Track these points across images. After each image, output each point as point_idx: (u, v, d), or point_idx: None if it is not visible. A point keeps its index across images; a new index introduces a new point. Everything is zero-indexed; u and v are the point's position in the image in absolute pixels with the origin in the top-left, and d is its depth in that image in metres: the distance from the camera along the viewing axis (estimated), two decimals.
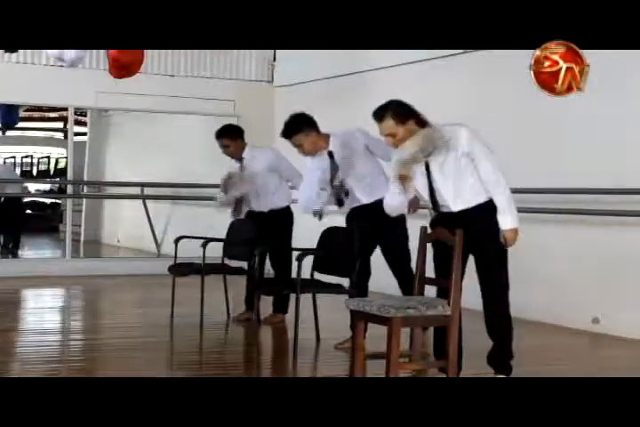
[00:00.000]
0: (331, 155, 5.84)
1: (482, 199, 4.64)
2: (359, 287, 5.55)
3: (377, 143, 5.56)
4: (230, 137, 6.91)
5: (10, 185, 12.78)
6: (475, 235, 4.51)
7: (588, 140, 6.93)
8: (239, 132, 7.01)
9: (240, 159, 6.92)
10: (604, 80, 5.99)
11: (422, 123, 4.64)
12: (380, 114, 4.67)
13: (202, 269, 6.66)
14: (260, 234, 6.58)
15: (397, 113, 4.61)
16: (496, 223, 4.65)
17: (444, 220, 4.62)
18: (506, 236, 4.68)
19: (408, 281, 5.16)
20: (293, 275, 5.74)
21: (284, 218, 6.81)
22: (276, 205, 6.79)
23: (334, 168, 5.80)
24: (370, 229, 5.56)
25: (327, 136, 5.90)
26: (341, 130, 5.93)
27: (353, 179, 5.75)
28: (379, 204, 5.38)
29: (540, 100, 5.83)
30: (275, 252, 6.68)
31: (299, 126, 5.92)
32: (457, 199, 4.60)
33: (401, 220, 5.56)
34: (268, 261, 6.84)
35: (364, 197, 5.74)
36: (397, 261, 5.73)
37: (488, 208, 4.64)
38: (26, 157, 18.12)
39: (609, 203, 6.57)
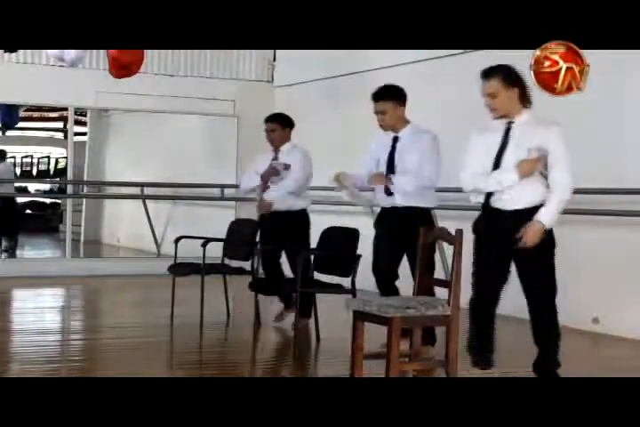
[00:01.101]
0: (395, 139, 5.70)
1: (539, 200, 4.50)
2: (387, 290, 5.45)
3: (429, 158, 5.59)
4: (280, 123, 6.82)
5: (6, 185, 12.77)
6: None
7: (587, 140, 6.92)
8: (290, 123, 6.92)
9: (276, 150, 6.82)
10: (604, 80, 5.99)
11: (526, 98, 4.59)
12: (488, 72, 4.62)
13: (202, 270, 6.66)
14: (276, 234, 6.54)
15: (507, 76, 4.56)
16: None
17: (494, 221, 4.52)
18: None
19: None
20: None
21: (301, 220, 6.69)
22: (296, 205, 6.69)
23: (392, 153, 5.67)
24: (398, 233, 5.43)
25: (407, 122, 5.76)
26: (423, 125, 5.82)
27: (398, 174, 5.59)
28: (410, 210, 5.36)
29: (540, 100, 5.83)
30: (291, 253, 6.47)
31: (394, 94, 5.75)
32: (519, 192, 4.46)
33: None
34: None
35: (399, 198, 5.57)
36: None
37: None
38: (26, 157, 18.11)
39: (609, 203, 6.57)
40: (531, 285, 4.66)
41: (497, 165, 4.51)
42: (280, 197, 6.54)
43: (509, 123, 4.61)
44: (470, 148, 4.70)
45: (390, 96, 5.68)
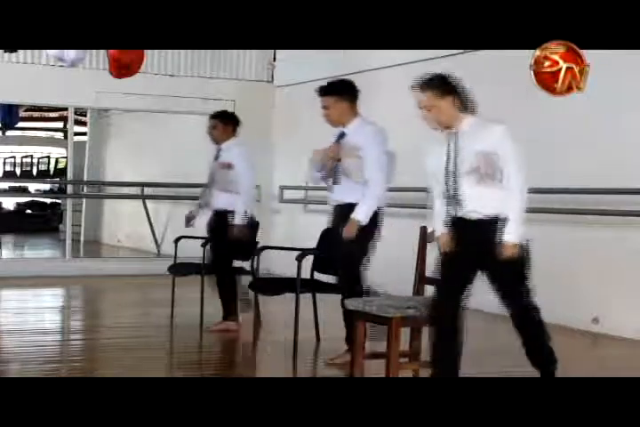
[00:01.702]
0: (342, 135, 5.51)
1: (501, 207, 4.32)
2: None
3: (368, 156, 5.30)
4: (222, 120, 6.74)
5: None
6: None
7: (588, 140, 6.93)
8: (232, 119, 6.80)
9: (218, 149, 6.69)
10: (604, 80, 5.99)
11: (465, 104, 4.45)
12: (421, 84, 4.52)
13: (202, 270, 6.66)
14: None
15: (440, 86, 4.43)
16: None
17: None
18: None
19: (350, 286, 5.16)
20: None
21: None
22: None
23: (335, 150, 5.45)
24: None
25: (356, 116, 5.54)
26: (372, 122, 5.61)
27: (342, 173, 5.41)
28: (346, 207, 5.28)
29: (539, 100, 5.83)
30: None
31: (337, 89, 5.56)
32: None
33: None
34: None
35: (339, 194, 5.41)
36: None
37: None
38: (26, 157, 18.11)
39: (609, 203, 6.57)
40: (504, 293, 4.52)
41: (453, 179, 4.33)
42: (241, 219, 6.37)
43: (454, 133, 4.43)
44: (427, 171, 4.52)
45: (332, 91, 5.52)
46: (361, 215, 5.23)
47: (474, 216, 4.27)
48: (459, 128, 4.40)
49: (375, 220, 5.31)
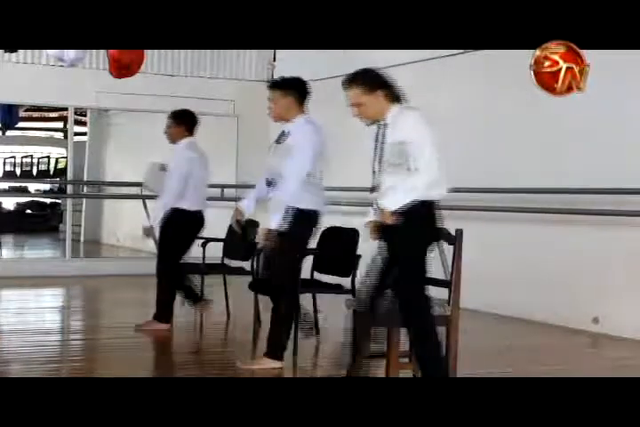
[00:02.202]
0: (282, 134, 5.39)
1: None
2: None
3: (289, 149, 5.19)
4: (174, 120, 6.80)
5: None
6: None
7: (588, 140, 6.93)
8: (185, 119, 6.83)
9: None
10: (604, 80, 5.99)
11: (393, 97, 4.40)
12: (347, 81, 4.47)
13: (202, 270, 6.66)
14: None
15: (366, 82, 4.39)
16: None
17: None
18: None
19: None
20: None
21: (175, 218, 6.41)
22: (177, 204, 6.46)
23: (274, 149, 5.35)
24: None
25: (301, 115, 5.40)
26: (313, 121, 5.40)
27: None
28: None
29: (540, 100, 5.84)
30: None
31: (282, 84, 5.46)
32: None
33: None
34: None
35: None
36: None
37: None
38: (26, 156, 18.11)
39: (609, 203, 6.57)
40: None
41: (379, 171, 4.37)
42: (161, 207, 6.35)
43: (382, 125, 4.43)
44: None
45: (278, 86, 5.45)
46: (273, 223, 5.07)
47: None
48: (387, 120, 4.40)
49: (298, 221, 5.09)
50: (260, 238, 5.12)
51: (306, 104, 5.42)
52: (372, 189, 4.40)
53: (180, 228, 6.33)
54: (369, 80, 4.41)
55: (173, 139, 6.74)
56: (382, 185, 4.35)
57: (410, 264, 4.31)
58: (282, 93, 5.37)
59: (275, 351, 5.19)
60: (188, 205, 6.34)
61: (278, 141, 5.37)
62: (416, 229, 4.30)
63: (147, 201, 10.82)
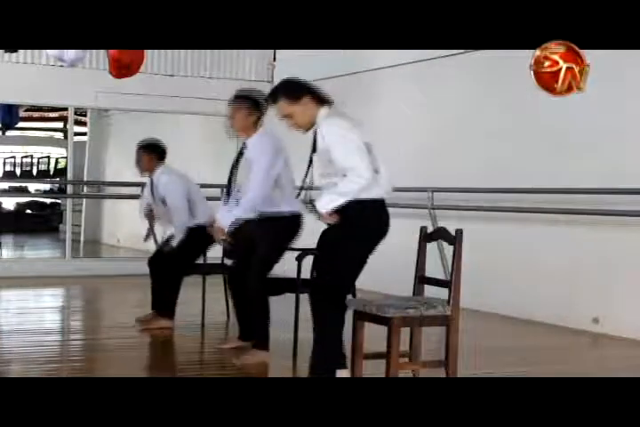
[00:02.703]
0: (242, 148, 5.52)
1: None
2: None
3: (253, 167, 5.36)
4: (145, 151, 6.92)
5: None
6: None
7: (587, 140, 6.93)
8: (155, 150, 6.96)
9: (150, 178, 6.84)
10: (604, 80, 6.00)
11: (320, 100, 4.45)
12: (271, 96, 4.52)
13: (203, 269, 6.66)
14: None
15: (288, 93, 4.44)
16: None
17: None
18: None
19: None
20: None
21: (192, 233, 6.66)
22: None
23: (236, 163, 5.55)
24: None
25: (258, 128, 5.50)
26: (270, 133, 5.51)
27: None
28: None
29: (540, 100, 5.84)
30: None
31: (240, 97, 5.53)
32: None
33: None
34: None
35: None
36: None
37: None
38: (26, 156, 18.12)
39: (609, 203, 6.57)
40: None
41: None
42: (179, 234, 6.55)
43: (315, 131, 4.47)
44: None
45: (234, 100, 5.54)
46: (224, 221, 5.35)
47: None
48: (320, 123, 4.44)
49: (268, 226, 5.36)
50: (216, 237, 5.45)
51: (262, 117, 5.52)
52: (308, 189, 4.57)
53: (197, 244, 6.53)
54: (291, 90, 4.47)
55: (146, 170, 6.82)
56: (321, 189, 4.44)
57: (332, 261, 4.41)
58: (236, 107, 5.50)
59: (262, 342, 5.43)
60: (200, 220, 6.50)
61: (237, 159, 5.56)
62: (352, 228, 4.36)
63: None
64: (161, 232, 6.90)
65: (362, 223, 4.41)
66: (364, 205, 4.37)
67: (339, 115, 4.51)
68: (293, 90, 4.46)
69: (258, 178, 5.28)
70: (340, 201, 4.30)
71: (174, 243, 6.56)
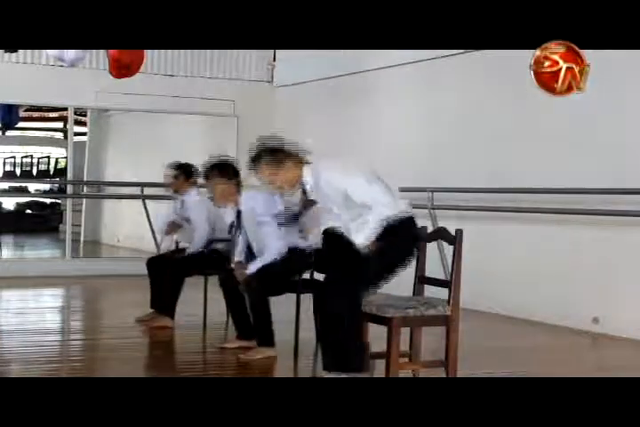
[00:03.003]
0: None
1: None
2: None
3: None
4: (182, 173, 7.04)
5: None
6: None
7: (588, 140, 6.93)
8: (191, 174, 7.02)
9: (181, 198, 7.08)
10: (604, 80, 6.00)
11: (299, 160, 4.60)
12: (253, 163, 4.64)
13: (205, 269, 6.65)
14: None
15: (269, 158, 4.56)
16: None
17: None
18: None
19: None
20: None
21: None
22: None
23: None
24: None
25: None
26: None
27: None
28: None
29: (539, 100, 5.84)
30: None
31: (222, 170, 5.84)
32: None
33: None
34: None
35: None
36: None
37: None
38: (26, 157, 18.10)
39: (609, 203, 6.57)
40: None
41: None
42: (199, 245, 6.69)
43: (304, 190, 4.63)
44: None
45: (216, 174, 5.79)
46: (252, 266, 5.58)
47: None
48: (305, 184, 4.59)
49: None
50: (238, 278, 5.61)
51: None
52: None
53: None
54: (272, 156, 4.55)
55: (178, 190, 7.03)
56: (346, 224, 4.54)
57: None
58: (220, 180, 5.79)
59: (265, 340, 5.51)
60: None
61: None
62: (394, 244, 4.46)
63: (146, 201, 10.88)
64: (168, 240, 7.03)
65: (395, 237, 4.47)
66: (393, 220, 4.45)
67: (324, 159, 4.63)
68: (273, 155, 4.55)
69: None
70: (376, 231, 4.42)
71: (190, 250, 6.71)
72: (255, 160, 4.59)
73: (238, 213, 5.78)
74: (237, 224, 5.80)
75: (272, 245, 5.55)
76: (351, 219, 4.53)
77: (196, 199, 6.85)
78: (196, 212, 6.77)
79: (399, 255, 4.50)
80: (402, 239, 4.51)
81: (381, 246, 4.42)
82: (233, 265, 5.77)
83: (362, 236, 4.46)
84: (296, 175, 4.57)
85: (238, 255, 5.81)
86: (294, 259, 5.51)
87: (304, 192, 4.65)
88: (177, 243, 7.18)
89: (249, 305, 5.52)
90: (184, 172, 6.96)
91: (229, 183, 5.73)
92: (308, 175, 4.56)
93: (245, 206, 5.69)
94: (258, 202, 5.62)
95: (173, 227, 7.01)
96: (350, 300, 4.33)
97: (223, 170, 5.76)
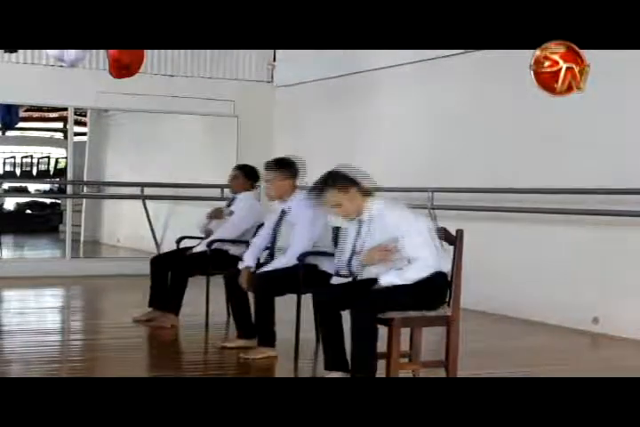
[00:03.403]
0: (283, 211, 5.83)
1: None
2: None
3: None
4: (242, 173, 6.99)
5: None
6: None
7: (588, 140, 6.93)
8: (254, 176, 6.98)
9: (233, 197, 7.06)
10: (604, 80, 5.99)
11: (365, 192, 4.66)
12: (321, 186, 4.70)
13: (207, 269, 6.65)
14: None
15: (339, 184, 4.63)
16: None
17: None
18: None
19: None
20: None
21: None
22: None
23: (278, 225, 5.90)
24: None
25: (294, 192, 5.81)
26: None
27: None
28: None
29: (539, 100, 5.84)
30: None
31: (281, 166, 5.81)
32: None
33: None
34: None
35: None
36: None
37: None
38: (26, 157, 18.09)
39: (609, 203, 6.57)
40: None
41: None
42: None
43: (359, 221, 4.66)
44: None
45: (272, 167, 5.78)
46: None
47: None
48: (364, 216, 4.64)
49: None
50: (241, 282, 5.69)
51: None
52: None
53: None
54: (341, 181, 4.63)
55: (236, 190, 7.04)
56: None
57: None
58: (277, 175, 5.77)
59: (267, 340, 5.52)
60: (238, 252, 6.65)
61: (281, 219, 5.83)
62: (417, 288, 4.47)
63: (146, 201, 10.88)
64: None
65: (430, 291, 4.51)
66: (434, 275, 4.48)
67: (393, 201, 4.73)
68: (342, 181, 4.64)
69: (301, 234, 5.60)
70: (399, 283, 4.43)
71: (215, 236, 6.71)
72: (323, 182, 4.67)
73: (282, 213, 5.79)
74: (277, 222, 5.79)
75: (295, 248, 5.54)
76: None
77: (248, 200, 6.87)
78: (240, 207, 6.77)
79: (419, 300, 4.49)
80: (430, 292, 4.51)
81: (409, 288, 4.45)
82: (241, 267, 5.76)
83: (386, 279, 4.45)
84: (358, 205, 4.63)
85: (249, 259, 5.80)
86: (307, 276, 5.49)
87: (357, 231, 4.67)
88: (180, 240, 7.13)
89: (254, 304, 5.52)
90: (244, 173, 6.99)
91: (288, 180, 5.74)
92: (369, 208, 4.62)
93: (297, 205, 5.67)
94: (309, 207, 5.56)
95: (217, 212, 6.99)
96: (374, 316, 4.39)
97: (285, 166, 5.76)
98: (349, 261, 4.64)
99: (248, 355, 5.52)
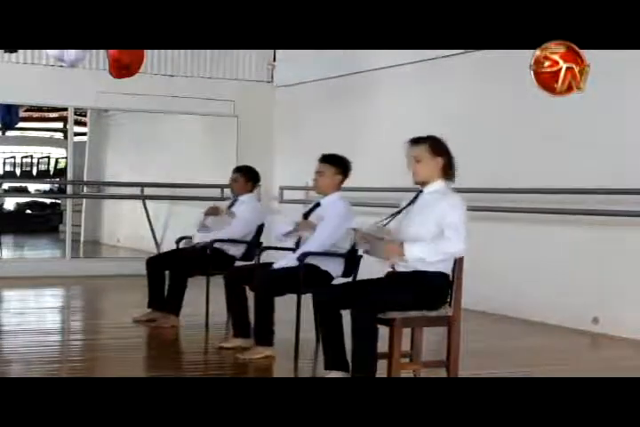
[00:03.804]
0: (317, 205, 5.84)
1: None
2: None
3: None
4: (244, 176, 7.00)
5: None
6: None
7: (587, 140, 6.93)
8: (254, 177, 7.02)
9: (235, 199, 7.02)
10: (604, 80, 6.00)
11: (449, 170, 4.65)
12: (417, 140, 4.73)
13: (207, 269, 6.65)
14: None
15: (433, 145, 4.65)
16: None
17: None
18: None
19: None
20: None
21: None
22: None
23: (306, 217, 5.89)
24: None
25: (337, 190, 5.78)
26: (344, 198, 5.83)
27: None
28: None
29: (540, 100, 5.84)
30: None
31: (336, 161, 5.78)
32: None
33: None
34: None
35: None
36: None
37: None
38: (26, 157, 18.09)
39: (609, 203, 6.57)
40: None
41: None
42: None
43: (419, 192, 4.68)
44: None
45: (332, 162, 5.75)
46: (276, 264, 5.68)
47: None
48: (427, 188, 4.66)
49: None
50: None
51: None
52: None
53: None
54: (437, 145, 4.66)
55: (238, 192, 7.01)
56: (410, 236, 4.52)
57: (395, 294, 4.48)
58: (334, 169, 5.74)
59: (264, 339, 5.54)
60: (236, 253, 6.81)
61: (310, 212, 5.82)
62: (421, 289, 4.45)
63: (146, 201, 10.88)
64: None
65: (431, 291, 4.49)
66: (435, 275, 4.46)
67: (463, 204, 4.63)
68: (438, 146, 4.66)
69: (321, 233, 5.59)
70: (426, 257, 4.40)
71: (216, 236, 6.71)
72: (422, 137, 4.68)
73: (317, 204, 5.79)
74: (307, 213, 5.80)
75: (312, 243, 5.55)
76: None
77: (251, 202, 6.88)
78: (243, 210, 6.77)
79: (420, 300, 4.46)
80: (432, 294, 4.49)
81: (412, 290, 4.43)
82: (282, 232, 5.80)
83: (414, 249, 4.40)
84: (432, 173, 4.61)
85: (282, 228, 5.82)
86: (307, 276, 5.49)
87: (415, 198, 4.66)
88: (180, 240, 7.14)
89: (254, 303, 5.52)
90: (243, 175, 6.98)
91: (338, 176, 5.71)
92: (434, 188, 4.62)
93: (333, 203, 5.67)
94: (344, 208, 5.66)
95: (214, 209, 6.97)
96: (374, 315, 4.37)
97: (341, 163, 5.74)
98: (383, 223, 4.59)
99: (245, 355, 5.52)
